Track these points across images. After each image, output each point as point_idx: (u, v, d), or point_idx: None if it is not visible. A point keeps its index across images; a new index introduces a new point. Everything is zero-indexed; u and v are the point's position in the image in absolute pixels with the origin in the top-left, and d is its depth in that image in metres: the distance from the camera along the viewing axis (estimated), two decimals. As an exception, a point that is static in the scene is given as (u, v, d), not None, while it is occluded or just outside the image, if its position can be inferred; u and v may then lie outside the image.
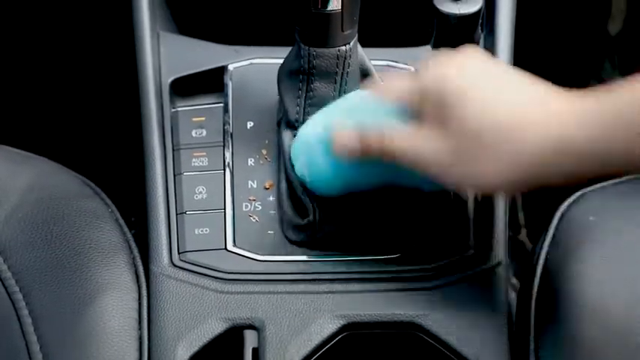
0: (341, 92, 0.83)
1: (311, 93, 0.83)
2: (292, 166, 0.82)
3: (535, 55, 1.18)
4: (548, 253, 0.84)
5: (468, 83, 0.75)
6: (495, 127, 0.73)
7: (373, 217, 0.82)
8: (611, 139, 0.70)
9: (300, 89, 0.83)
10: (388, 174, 0.79)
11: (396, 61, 0.92)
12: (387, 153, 0.77)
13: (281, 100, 0.85)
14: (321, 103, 0.83)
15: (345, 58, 0.81)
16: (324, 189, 0.80)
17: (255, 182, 0.85)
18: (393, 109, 0.78)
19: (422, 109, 0.76)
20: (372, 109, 0.79)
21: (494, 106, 0.74)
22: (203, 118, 0.88)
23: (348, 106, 0.82)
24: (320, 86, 0.83)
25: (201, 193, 0.85)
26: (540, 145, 0.72)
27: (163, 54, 0.92)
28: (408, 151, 0.76)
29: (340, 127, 0.78)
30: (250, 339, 0.77)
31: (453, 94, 0.74)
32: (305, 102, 0.83)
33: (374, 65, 0.86)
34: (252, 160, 0.85)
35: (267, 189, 0.85)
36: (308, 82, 0.82)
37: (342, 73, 0.82)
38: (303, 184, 0.82)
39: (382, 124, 0.77)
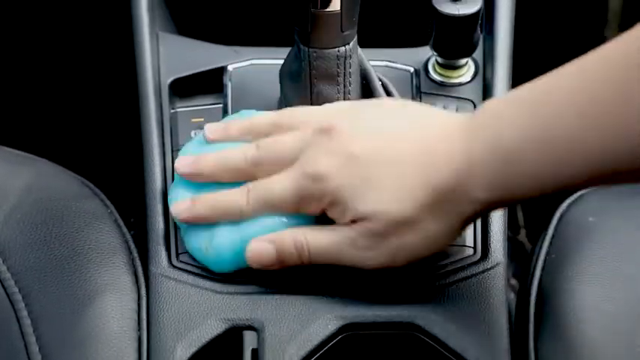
0: (345, 93, 0.83)
1: (315, 96, 0.83)
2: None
3: (533, 58, 1.18)
4: (547, 253, 0.84)
5: (356, 180, 0.74)
6: (409, 213, 0.72)
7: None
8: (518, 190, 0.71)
9: (304, 92, 0.83)
10: None
11: (395, 62, 0.92)
12: (313, 262, 0.77)
13: (285, 103, 0.85)
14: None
15: (346, 58, 0.81)
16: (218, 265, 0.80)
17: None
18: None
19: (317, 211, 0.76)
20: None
21: (397, 194, 0.73)
22: (202, 119, 0.88)
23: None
24: (324, 88, 0.83)
25: (200, 193, 0.84)
26: (463, 206, 0.72)
27: (162, 54, 0.92)
28: (332, 256, 0.76)
29: (254, 243, 0.77)
30: (249, 340, 0.77)
31: (347, 196, 0.73)
32: (311, 105, 0.83)
33: (373, 66, 0.86)
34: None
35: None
36: (311, 85, 0.82)
37: (345, 74, 0.82)
38: None
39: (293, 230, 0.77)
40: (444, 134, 0.73)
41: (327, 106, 0.80)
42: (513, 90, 0.72)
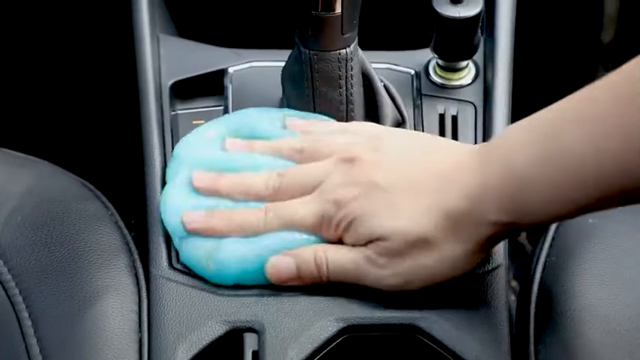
0: (347, 96, 0.83)
1: (318, 99, 0.83)
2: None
3: (531, 62, 1.18)
4: (547, 255, 0.84)
5: (369, 201, 0.76)
6: (423, 233, 0.74)
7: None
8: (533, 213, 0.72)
9: (307, 95, 0.83)
10: None
11: (396, 64, 0.92)
12: (332, 280, 0.78)
13: (287, 105, 0.85)
14: (329, 108, 0.83)
15: (347, 60, 0.81)
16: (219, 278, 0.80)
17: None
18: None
19: (336, 234, 0.78)
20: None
21: (411, 214, 0.74)
22: (203, 121, 0.88)
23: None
24: (327, 91, 0.83)
25: (201, 195, 0.84)
26: (475, 231, 0.74)
27: (163, 57, 0.92)
28: (351, 275, 0.77)
29: (274, 258, 0.78)
30: (250, 342, 0.77)
31: (362, 218, 0.76)
32: (314, 109, 0.83)
33: (374, 69, 0.86)
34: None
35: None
36: (313, 88, 0.82)
37: (346, 77, 0.82)
38: None
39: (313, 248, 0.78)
40: (459, 162, 0.75)
41: (349, 133, 0.81)
42: (526, 118, 0.74)
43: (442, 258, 0.75)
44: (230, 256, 0.78)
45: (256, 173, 0.80)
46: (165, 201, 0.81)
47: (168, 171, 0.83)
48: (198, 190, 0.81)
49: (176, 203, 0.80)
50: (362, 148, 0.78)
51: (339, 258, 0.77)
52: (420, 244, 0.75)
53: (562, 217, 0.73)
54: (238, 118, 0.85)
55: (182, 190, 0.81)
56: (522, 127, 0.73)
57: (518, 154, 0.72)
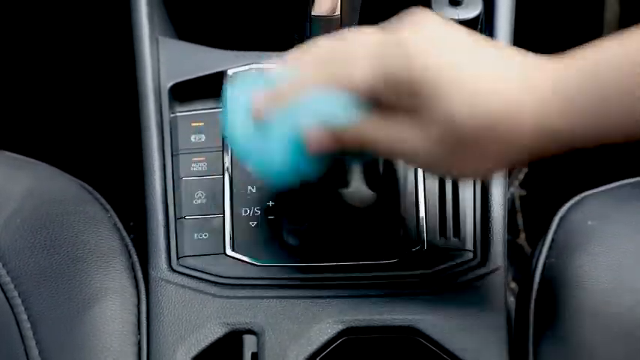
0: None
1: None
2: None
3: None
4: (547, 257, 0.84)
5: (442, 63, 0.68)
6: (487, 124, 0.68)
7: (371, 223, 0.82)
8: (601, 123, 0.68)
9: None
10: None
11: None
12: (366, 146, 0.72)
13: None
14: None
15: (344, 63, 0.81)
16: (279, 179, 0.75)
17: (254, 187, 0.85)
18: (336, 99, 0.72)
19: (386, 100, 0.70)
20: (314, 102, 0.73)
21: (481, 96, 0.68)
22: (202, 123, 0.88)
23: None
24: None
25: (200, 198, 0.85)
26: (529, 140, 0.69)
27: (162, 59, 0.92)
28: (389, 144, 0.71)
29: (309, 127, 0.72)
30: (249, 344, 0.77)
31: (429, 81, 0.67)
32: None
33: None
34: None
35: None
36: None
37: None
38: (299, 189, 0.82)
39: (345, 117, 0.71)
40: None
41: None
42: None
43: (481, 158, 0.69)
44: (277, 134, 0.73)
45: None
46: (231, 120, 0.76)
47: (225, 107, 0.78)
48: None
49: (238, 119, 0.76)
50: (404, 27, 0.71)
51: (389, 139, 0.71)
52: (473, 139, 0.68)
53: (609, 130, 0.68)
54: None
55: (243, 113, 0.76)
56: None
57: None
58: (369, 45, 0.70)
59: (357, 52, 0.70)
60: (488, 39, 0.72)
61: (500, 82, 0.69)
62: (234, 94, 0.77)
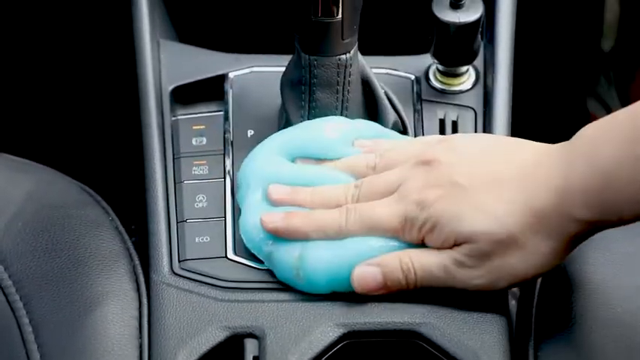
0: (343, 102, 0.83)
1: (314, 103, 0.83)
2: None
3: (532, 68, 1.18)
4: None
5: (455, 201, 0.75)
6: (511, 229, 0.74)
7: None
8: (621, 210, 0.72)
9: (302, 100, 0.83)
10: None
11: (396, 69, 0.92)
12: (419, 285, 0.77)
13: (284, 110, 0.85)
14: (324, 113, 0.83)
15: (346, 66, 0.82)
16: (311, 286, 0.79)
17: (256, 190, 0.85)
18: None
19: (419, 237, 0.77)
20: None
21: (496, 211, 0.74)
22: (203, 126, 0.88)
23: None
24: (322, 96, 0.83)
25: (201, 201, 0.85)
26: (559, 232, 0.74)
27: (164, 62, 0.92)
28: (439, 278, 0.76)
29: (359, 268, 0.77)
30: (251, 347, 0.77)
31: (448, 219, 0.75)
32: (308, 113, 0.83)
33: (374, 74, 0.86)
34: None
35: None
36: (310, 93, 0.82)
37: (344, 82, 0.82)
38: None
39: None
40: (540, 159, 0.75)
41: (419, 140, 0.82)
42: (607, 116, 0.74)
43: (529, 256, 0.74)
44: (317, 264, 0.77)
45: (333, 186, 0.80)
46: (245, 221, 0.81)
47: (239, 196, 0.83)
48: (275, 203, 0.80)
49: (256, 221, 0.80)
50: (436, 150, 0.78)
51: (426, 262, 0.76)
52: (507, 243, 0.74)
53: None
54: (297, 133, 0.84)
55: (259, 208, 0.80)
56: (601, 127, 0.73)
57: (601, 153, 0.71)
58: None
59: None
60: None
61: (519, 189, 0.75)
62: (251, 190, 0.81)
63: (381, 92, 0.86)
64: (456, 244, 0.75)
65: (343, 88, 0.82)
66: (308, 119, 0.84)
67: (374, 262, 0.77)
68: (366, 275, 0.77)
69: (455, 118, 0.89)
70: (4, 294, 0.80)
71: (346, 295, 0.79)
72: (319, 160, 0.82)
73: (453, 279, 0.76)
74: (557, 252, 0.74)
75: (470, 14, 0.85)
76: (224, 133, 0.88)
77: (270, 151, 0.83)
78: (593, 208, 0.72)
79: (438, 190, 0.76)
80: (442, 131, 0.89)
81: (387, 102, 0.86)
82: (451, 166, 0.76)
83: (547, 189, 0.73)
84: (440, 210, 0.75)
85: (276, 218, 0.78)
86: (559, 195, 0.73)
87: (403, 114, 0.88)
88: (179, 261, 0.82)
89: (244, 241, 0.81)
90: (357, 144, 0.83)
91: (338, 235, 0.78)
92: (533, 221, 0.73)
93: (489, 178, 0.75)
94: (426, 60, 0.92)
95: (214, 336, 0.78)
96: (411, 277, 0.77)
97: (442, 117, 0.89)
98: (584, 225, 0.73)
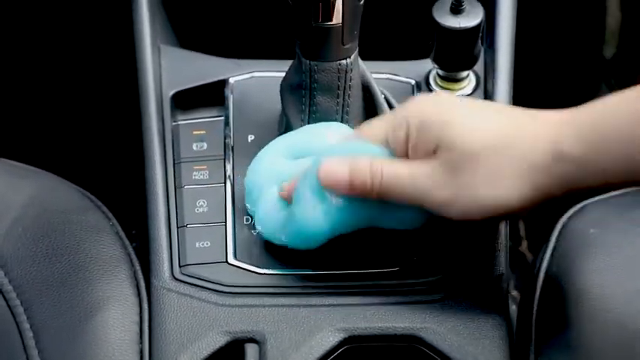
0: (344, 107, 0.83)
1: (314, 107, 0.83)
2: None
3: (532, 74, 1.18)
4: (549, 265, 0.84)
5: (447, 110, 0.76)
6: (489, 144, 0.73)
7: (373, 231, 0.82)
8: (608, 152, 0.71)
9: (302, 104, 0.83)
10: (372, 217, 0.79)
11: (397, 75, 0.92)
12: (382, 191, 0.76)
13: (284, 115, 0.85)
14: (324, 118, 0.83)
15: (347, 72, 0.82)
16: (307, 240, 0.79)
17: (256, 195, 0.85)
18: (370, 148, 0.78)
19: (405, 144, 0.76)
20: (347, 149, 0.79)
21: (481, 126, 0.74)
22: (204, 132, 0.88)
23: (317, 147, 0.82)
24: (322, 101, 0.83)
25: (202, 206, 0.85)
26: (539, 153, 0.72)
27: (164, 67, 0.92)
28: (404, 185, 0.75)
29: (328, 161, 0.77)
30: (251, 352, 0.77)
31: (435, 121, 0.74)
32: (309, 117, 0.83)
33: (375, 79, 0.86)
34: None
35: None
36: (310, 97, 0.83)
37: (344, 87, 0.82)
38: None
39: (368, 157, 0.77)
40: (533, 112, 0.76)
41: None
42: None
43: (493, 178, 0.73)
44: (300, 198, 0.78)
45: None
46: (265, 214, 0.81)
47: (251, 200, 0.83)
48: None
49: (280, 217, 0.80)
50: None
51: (396, 169, 0.76)
52: (478, 158, 0.73)
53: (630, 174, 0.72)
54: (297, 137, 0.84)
55: (279, 203, 0.81)
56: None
57: (598, 105, 0.73)
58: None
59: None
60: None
61: (511, 116, 0.75)
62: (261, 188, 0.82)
63: (380, 98, 0.86)
64: (433, 152, 0.74)
65: (344, 93, 0.83)
66: (308, 124, 0.84)
67: (345, 159, 0.77)
68: (334, 168, 0.76)
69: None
70: (5, 299, 0.80)
71: (348, 301, 0.79)
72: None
73: (415, 188, 0.75)
74: (522, 187, 0.73)
75: (470, 19, 0.85)
76: (224, 138, 0.88)
77: (275, 153, 0.83)
78: (582, 143, 0.71)
79: (427, 104, 0.77)
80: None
81: (387, 107, 0.87)
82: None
83: (534, 118, 0.74)
84: (428, 114, 0.75)
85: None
86: (545, 122, 0.73)
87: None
88: (180, 266, 0.82)
89: (263, 234, 0.81)
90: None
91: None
92: (507, 140, 0.73)
93: (480, 109, 0.77)
94: (426, 65, 0.92)
95: (215, 341, 0.78)
96: (376, 181, 0.76)
97: (442, 122, 0.89)
98: (561, 167, 0.72)
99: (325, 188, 0.77)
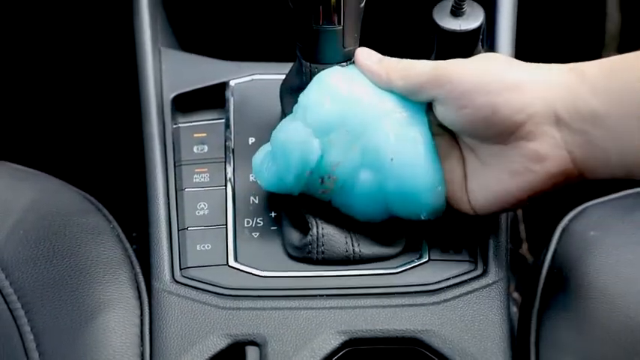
0: None
1: None
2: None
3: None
4: (549, 267, 0.84)
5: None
6: (515, 83, 0.75)
7: (374, 233, 0.82)
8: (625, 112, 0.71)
9: None
10: (388, 207, 0.79)
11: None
12: (407, 83, 0.79)
13: (284, 116, 0.85)
14: None
15: (347, 74, 0.82)
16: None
17: (257, 198, 0.85)
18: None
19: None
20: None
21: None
22: (205, 134, 0.88)
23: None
24: None
25: (202, 208, 0.85)
26: (561, 111, 0.74)
27: (165, 70, 0.92)
28: (428, 78, 0.78)
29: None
30: (252, 355, 0.77)
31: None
32: None
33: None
34: (254, 175, 0.85)
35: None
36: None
37: (344, 89, 0.82)
38: (306, 200, 0.82)
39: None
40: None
41: None
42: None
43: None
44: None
45: None
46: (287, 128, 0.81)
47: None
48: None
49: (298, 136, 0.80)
50: None
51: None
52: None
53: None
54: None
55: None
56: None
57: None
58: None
59: None
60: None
61: (525, 69, 0.77)
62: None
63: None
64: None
65: (344, 95, 0.83)
66: None
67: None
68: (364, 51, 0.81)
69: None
70: (6, 302, 0.80)
71: (348, 303, 0.79)
72: None
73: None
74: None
75: (471, 22, 0.85)
76: (225, 141, 0.88)
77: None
78: (598, 95, 0.72)
79: None
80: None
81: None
82: None
83: (560, 68, 0.76)
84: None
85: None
86: (569, 69, 0.75)
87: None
88: (180, 269, 0.82)
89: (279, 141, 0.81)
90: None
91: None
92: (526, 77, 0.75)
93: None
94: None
95: (216, 344, 0.78)
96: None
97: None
98: (568, 135, 0.74)
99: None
